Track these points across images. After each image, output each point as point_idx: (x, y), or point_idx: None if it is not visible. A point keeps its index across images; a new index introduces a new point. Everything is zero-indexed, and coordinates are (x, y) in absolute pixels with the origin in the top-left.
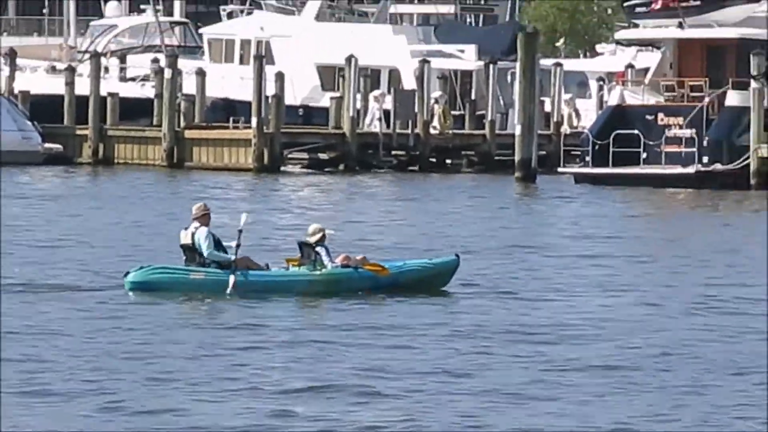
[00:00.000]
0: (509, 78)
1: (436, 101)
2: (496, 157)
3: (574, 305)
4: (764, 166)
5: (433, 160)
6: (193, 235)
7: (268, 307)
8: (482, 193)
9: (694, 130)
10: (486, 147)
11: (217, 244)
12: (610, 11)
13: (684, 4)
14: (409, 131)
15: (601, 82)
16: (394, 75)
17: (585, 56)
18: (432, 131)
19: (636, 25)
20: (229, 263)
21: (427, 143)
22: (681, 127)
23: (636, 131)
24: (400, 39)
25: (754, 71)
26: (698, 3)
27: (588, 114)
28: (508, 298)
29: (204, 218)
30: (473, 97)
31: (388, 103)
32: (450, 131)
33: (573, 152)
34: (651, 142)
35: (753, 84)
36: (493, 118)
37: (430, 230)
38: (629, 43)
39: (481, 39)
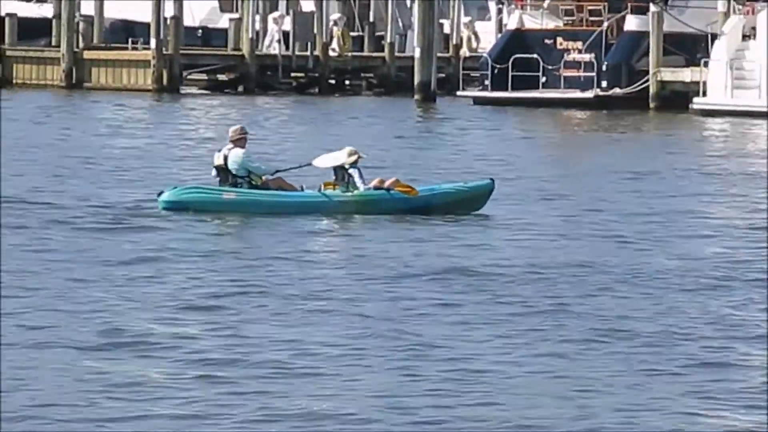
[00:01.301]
0: (408, 0)
1: (335, 23)
2: (396, 80)
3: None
4: (663, 90)
5: (332, 82)
6: (226, 157)
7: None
8: (382, 115)
9: (593, 55)
10: (385, 69)
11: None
12: None
13: None
14: (308, 53)
15: (501, 5)
16: None
17: None
18: (331, 53)
19: None
20: (263, 175)
21: (326, 65)
22: (580, 52)
23: (535, 55)
24: None
25: None
26: None
27: (487, 37)
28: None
29: (240, 141)
30: (372, 19)
31: (287, 25)
32: (349, 53)
33: (472, 75)
34: (550, 66)
35: (652, 8)
36: (392, 41)
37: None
38: None
39: None
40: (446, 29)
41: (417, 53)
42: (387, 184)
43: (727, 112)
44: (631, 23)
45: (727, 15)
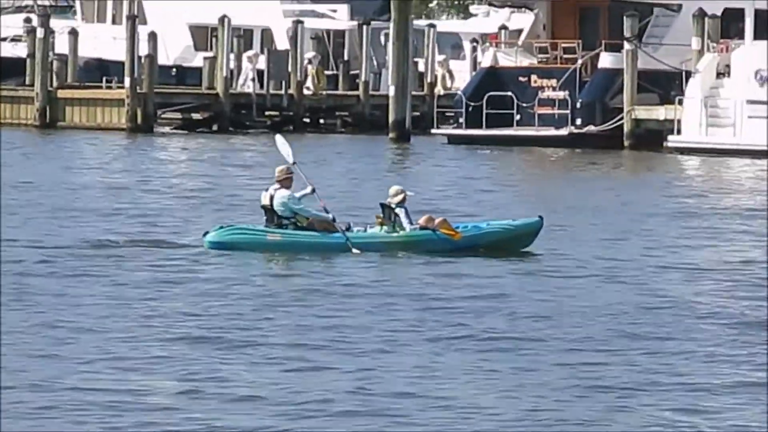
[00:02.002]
0: (383, 38)
1: (310, 61)
2: (370, 118)
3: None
4: (637, 128)
5: (307, 120)
6: (272, 197)
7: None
8: (356, 153)
9: (567, 92)
10: (359, 108)
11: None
12: None
13: None
14: (283, 92)
15: (475, 44)
16: (267, 35)
17: (458, 17)
18: (305, 92)
19: None
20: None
21: (300, 104)
22: (554, 89)
23: (509, 93)
24: None
25: (627, 33)
26: None
27: (462, 75)
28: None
29: (286, 181)
30: (346, 57)
31: (262, 64)
32: (323, 92)
33: (447, 113)
34: (524, 104)
35: (626, 46)
36: (366, 79)
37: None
38: (503, 4)
39: None
40: (420, 67)
41: (391, 91)
42: (435, 223)
43: (701, 149)
44: (605, 61)
45: (701, 53)
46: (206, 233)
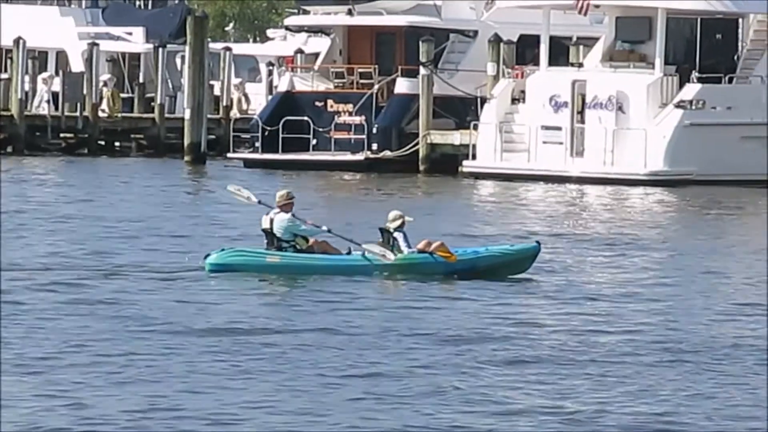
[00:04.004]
0: (178, 61)
1: (105, 84)
2: (166, 141)
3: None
4: (433, 153)
5: (102, 143)
6: (272, 220)
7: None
8: (151, 177)
9: (363, 117)
10: (155, 130)
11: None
12: None
13: None
14: (78, 114)
15: (271, 67)
16: (62, 57)
17: (255, 41)
18: (101, 114)
19: (306, 12)
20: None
21: (95, 126)
22: (350, 114)
23: (305, 117)
24: (67, 21)
25: (422, 58)
26: None
27: (258, 99)
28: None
29: (287, 206)
30: (142, 80)
31: (57, 86)
32: (118, 114)
33: (243, 137)
34: (320, 129)
35: (422, 71)
36: (162, 102)
37: (95, 214)
38: (299, 29)
39: (149, 22)
40: (216, 91)
41: (187, 114)
42: (432, 247)
43: (496, 175)
44: (402, 86)
45: (496, 78)
46: (207, 255)
